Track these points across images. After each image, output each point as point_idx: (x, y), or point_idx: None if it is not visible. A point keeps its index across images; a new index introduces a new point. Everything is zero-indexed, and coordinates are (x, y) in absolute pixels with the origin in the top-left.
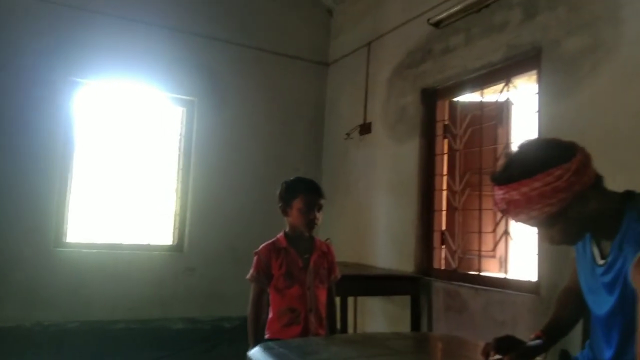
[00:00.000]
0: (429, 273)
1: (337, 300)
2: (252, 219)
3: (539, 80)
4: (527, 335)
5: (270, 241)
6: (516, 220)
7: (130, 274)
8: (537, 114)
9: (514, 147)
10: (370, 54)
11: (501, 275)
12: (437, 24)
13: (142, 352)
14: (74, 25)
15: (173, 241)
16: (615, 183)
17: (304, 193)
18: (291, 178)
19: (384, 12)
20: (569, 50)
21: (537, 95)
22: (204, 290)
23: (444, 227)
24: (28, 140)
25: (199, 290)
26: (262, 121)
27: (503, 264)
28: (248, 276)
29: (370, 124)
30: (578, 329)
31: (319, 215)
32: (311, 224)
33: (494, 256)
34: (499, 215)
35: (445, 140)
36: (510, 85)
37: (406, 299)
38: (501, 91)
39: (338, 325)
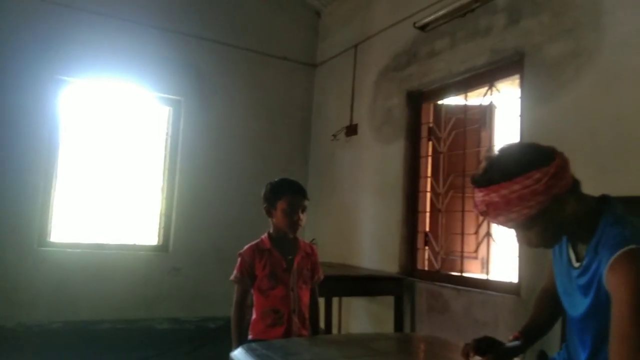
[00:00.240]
0: (412, 274)
1: (322, 300)
2: (238, 220)
3: (522, 85)
4: (508, 335)
5: (254, 242)
6: (495, 223)
7: (115, 274)
8: (519, 118)
9: (496, 151)
10: (357, 56)
11: (483, 276)
12: (423, 28)
13: (127, 352)
14: (60, 22)
15: (158, 241)
16: (595, 187)
17: (288, 194)
18: (276, 179)
19: (371, 14)
20: (552, 55)
21: (519, 99)
22: (189, 291)
23: (427, 229)
24: (12, 138)
25: (184, 290)
26: (249, 121)
27: (485, 265)
28: (232, 277)
29: (356, 125)
30: (557, 329)
31: (303, 217)
32: (295, 225)
33: (476, 257)
34: (481, 217)
35: (430, 143)
36: (494, 89)
37: (390, 300)
38: (485, 95)
39: (322, 326)
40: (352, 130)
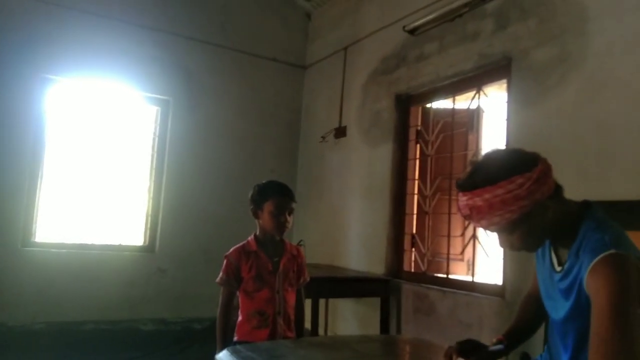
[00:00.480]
0: (399, 275)
1: (308, 301)
2: (225, 221)
3: (509, 89)
4: (492, 338)
5: (240, 244)
6: (478, 226)
7: (100, 274)
8: (506, 122)
9: (481, 155)
10: (347, 58)
11: (468, 278)
12: (412, 31)
13: (112, 353)
14: (47, 20)
15: (144, 242)
16: (578, 191)
17: (275, 196)
18: (263, 181)
19: (361, 17)
20: (538, 60)
21: (506, 104)
22: (175, 292)
23: (414, 231)
24: None
25: (170, 291)
26: (237, 122)
27: (470, 267)
28: (217, 279)
29: (345, 127)
30: (540, 332)
31: (290, 219)
32: (282, 227)
33: (462, 259)
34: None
35: (418, 146)
36: (482, 93)
37: (376, 301)
38: (472, 99)
39: (308, 327)
40: (340, 132)
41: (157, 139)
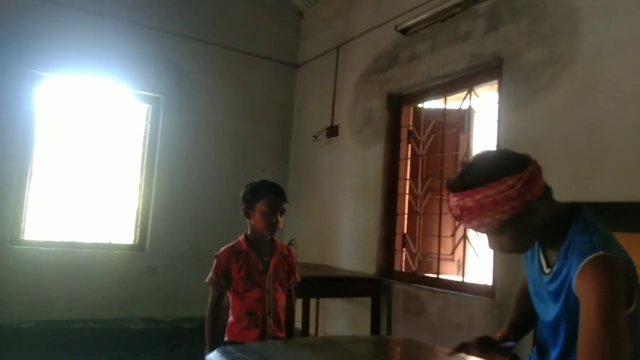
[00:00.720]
0: (389, 275)
1: (299, 301)
2: (216, 220)
3: (500, 90)
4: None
5: (230, 244)
6: (469, 227)
7: (89, 273)
8: (497, 123)
9: (472, 156)
10: (339, 57)
11: (459, 278)
12: (404, 31)
13: (101, 352)
14: (37, 17)
15: (134, 240)
16: (568, 192)
17: (267, 196)
18: (256, 180)
19: (354, 16)
20: (529, 61)
21: (497, 104)
22: (166, 291)
23: (405, 230)
24: None
25: (160, 290)
26: (229, 121)
27: (461, 267)
28: (207, 279)
29: (337, 126)
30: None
31: (281, 219)
32: (273, 227)
33: (452, 259)
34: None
35: (409, 146)
36: (473, 93)
37: (367, 301)
38: (464, 99)
39: (299, 326)
40: (332, 131)
41: (147, 136)
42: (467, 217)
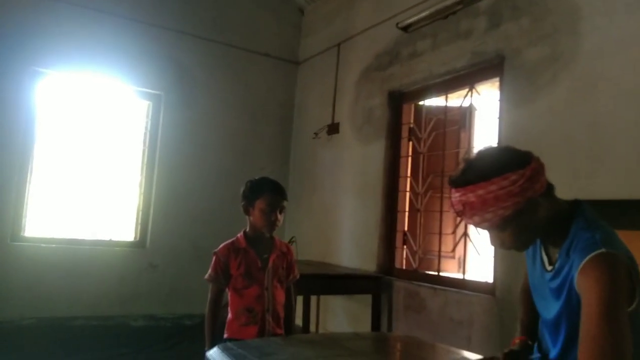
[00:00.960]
0: (390, 272)
1: (300, 298)
2: (217, 217)
3: (501, 88)
4: (482, 334)
5: (229, 241)
6: (471, 223)
7: (90, 269)
8: (498, 120)
9: (474, 153)
10: (340, 54)
11: (459, 276)
12: (405, 28)
13: (102, 349)
14: (38, 13)
15: (135, 237)
16: (570, 190)
17: (267, 193)
18: (256, 177)
19: (355, 14)
20: (530, 59)
21: (498, 102)
22: (166, 288)
23: (406, 228)
24: None
25: (161, 287)
26: (230, 118)
27: (461, 264)
28: (206, 276)
29: (338, 124)
30: None
31: (281, 217)
32: (272, 225)
33: (453, 257)
34: (457, 217)
35: (410, 143)
36: (474, 91)
37: (368, 298)
38: (465, 97)
39: (300, 323)
40: (333, 129)
41: (148, 133)
42: (469, 212)
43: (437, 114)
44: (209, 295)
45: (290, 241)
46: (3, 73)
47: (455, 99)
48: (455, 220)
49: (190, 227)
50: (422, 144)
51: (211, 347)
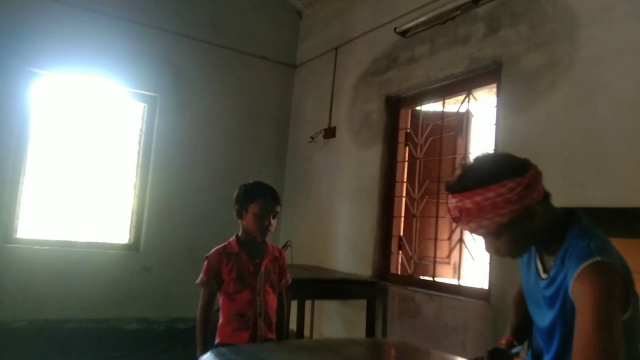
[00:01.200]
0: (385, 278)
1: (295, 303)
2: (212, 220)
3: (498, 94)
4: (477, 340)
5: (221, 245)
6: (467, 229)
7: (83, 272)
8: (495, 127)
9: (471, 159)
10: (338, 58)
11: (454, 281)
12: (403, 33)
13: (94, 352)
14: (33, 13)
15: (129, 240)
16: (566, 197)
17: (261, 198)
18: (250, 182)
19: (353, 18)
20: (528, 66)
21: (495, 108)
22: (160, 291)
23: (401, 233)
24: None
25: (154, 290)
26: (226, 120)
27: (457, 270)
28: (198, 281)
29: (335, 128)
30: None
31: (274, 222)
32: (265, 230)
33: (448, 263)
34: (453, 223)
35: (407, 148)
36: (471, 97)
37: (363, 303)
38: (462, 102)
39: (294, 328)
40: (330, 132)
41: (143, 135)
42: (466, 218)
43: (434, 120)
44: (201, 300)
45: (286, 245)
46: None
47: (453, 105)
48: (450, 226)
49: (185, 230)
50: (418, 149)
51: (203, 352)
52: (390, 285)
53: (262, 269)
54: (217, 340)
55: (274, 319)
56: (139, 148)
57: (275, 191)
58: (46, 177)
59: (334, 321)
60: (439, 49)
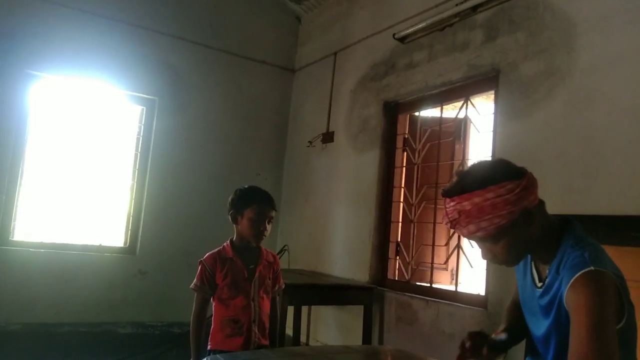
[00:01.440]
0: (382, 283)
1: (291, 308)
2: (208, 224)
3: (496, 101)
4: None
5: (215, 250)
6: (464, 233)
7: (78, 275)
8: (492, 133)
9: (468, 165)
10: (336, 63)
11: (452, 288)
12: (402, 39)
13: (89, 356)
14: (32, 16)
15: (125, 243)
16: (563, 204)
17: (256, 203)
18: (245, 186)
19: (352, 23)
20: (526, 73)
21: (493, 115)
22: (156, 295)
23: (399, 239)
24: None
25: (150, 294)
26: (224, 124)
27: (454, 276)
28: (192, 286)
29: (333, 133)
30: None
31: (269, 227)
32: (260, 235)
33: (445, 269)
34: (451, 229)
35: (405, 154)
36: (469, 103)
37: (360, 309)
38: (460, 108)
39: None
40: (328, 137)
41: (141, 138)
42: (465, 220)
43: (432, 125)
44: (194, 306)
45: (283, 250)
46: None
47: (451, 111)
48: (448, 232)
49: (182, 234)
50: (416, 155)
51: (197, 358)
52: (387, 291)
53: (257, 274)
54: (209, 347)
55: (267, 325)
56: (137, 151)
57: (271, 196)
58: (43, 179)
59: (331, 327)
60: (437, 55)
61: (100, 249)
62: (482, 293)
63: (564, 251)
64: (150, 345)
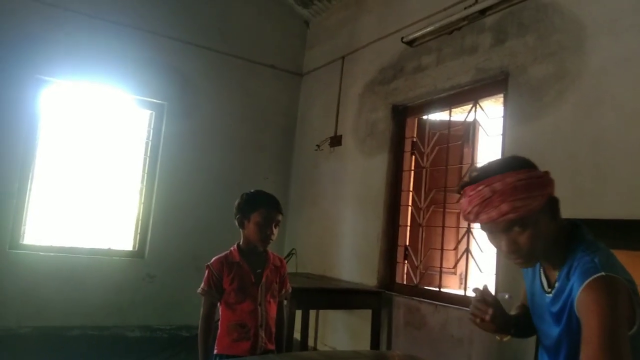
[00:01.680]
0: (391, 288)
1: (299, 312)
2: (217, 228)
3: (505, 104)
4: (483, 352)
5: (222, 254)
6: (494, 214)
7: (88, 279)
8: (501, 137)
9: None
10: (344, 67)
11: (460, 292)
12: (410, 43)
13: (97, 359)
14: (42, 21)
15: (134, 247)
16: (573, 208)
17: (263, 207)
18: (252, 190)
19: (360, 27)
20: (535, 76)
21: (502, 118)
22: (164, 299)
23: (407, 243)
24: None
25: (158, 298)
26: (233, 128)
27: (463, 281)
28: (199, 290)
29: (341, 136)
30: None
31: (275, 231)
32: (267, 239)
33: (454, 273)
34: (461, 233)
35: (413, 157)
36: (478, 106)
37: (368, 313)
38: (469, 112)
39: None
40: (336, 141)
41: (150, 142)
42: (499, 199)
43: (441, 129)
44: (202, 310)
45: (290, 253)
46: (7, 81)
47: (459, 114)
48: (457, 236)
49: (190, 237)
50: (425, 159)
51: None
52: (395, 295)
53: (264, 279)
54: (215, 351)
55: (274, 330)
56: (146, 155)
57: (277, 200)
58: (53, 183)
59: (339, 331)
60: (445, 59)
61: (109, 253)
62: None
63: (574, 256)
64: (158, 348)
